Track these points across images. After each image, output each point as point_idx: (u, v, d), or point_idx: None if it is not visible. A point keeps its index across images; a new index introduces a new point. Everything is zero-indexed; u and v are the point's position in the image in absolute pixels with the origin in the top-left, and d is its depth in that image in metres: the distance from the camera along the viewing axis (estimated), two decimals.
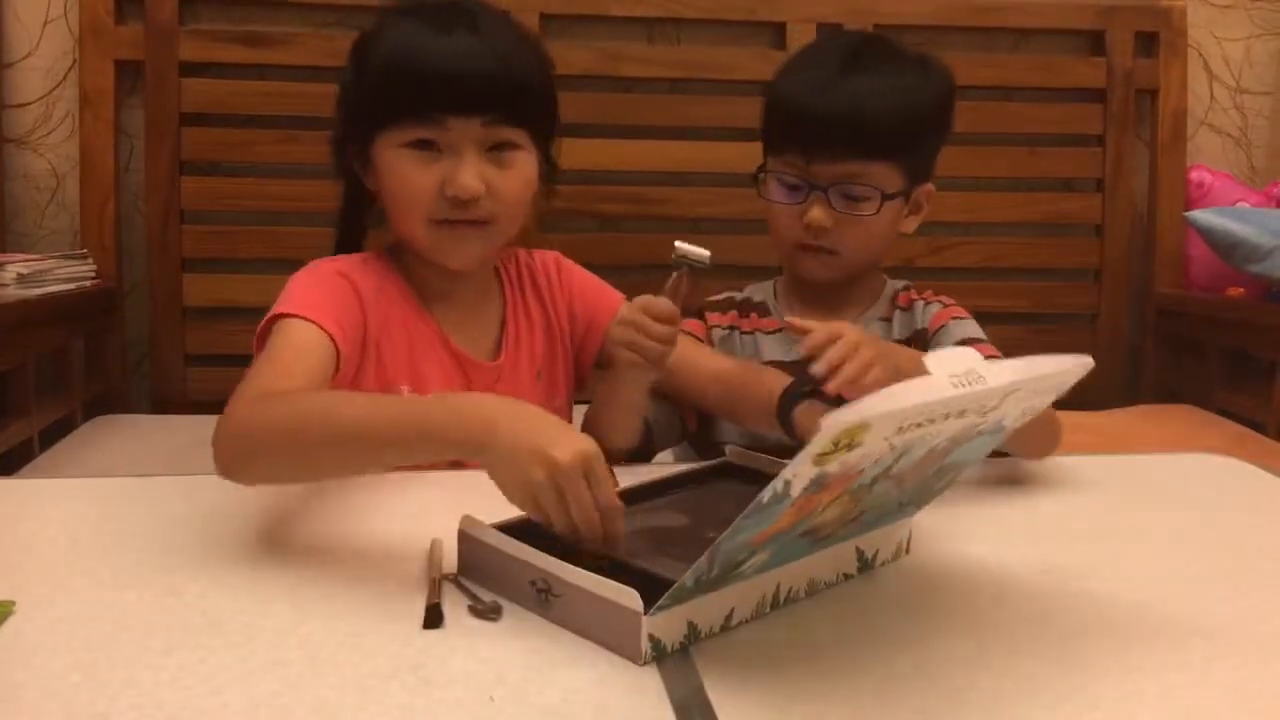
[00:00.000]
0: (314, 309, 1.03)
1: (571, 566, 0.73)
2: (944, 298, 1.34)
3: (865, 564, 0.86)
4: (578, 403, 1.29)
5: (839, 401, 1.09)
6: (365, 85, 1.10)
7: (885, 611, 0.80)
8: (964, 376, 0.66)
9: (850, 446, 0.61)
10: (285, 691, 0.65)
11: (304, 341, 1.01)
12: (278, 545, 0.89)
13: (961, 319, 1.31)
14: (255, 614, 0.75)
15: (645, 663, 0.69)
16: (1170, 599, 0.83)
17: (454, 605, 0.76)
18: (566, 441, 0.76)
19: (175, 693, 0.64)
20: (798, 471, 0.61)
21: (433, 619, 0.73)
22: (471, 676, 0.67)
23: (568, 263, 1.28)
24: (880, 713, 0.64)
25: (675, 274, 1.06)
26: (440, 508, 0.87)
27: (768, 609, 0.78)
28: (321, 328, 1.02)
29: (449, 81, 1.06)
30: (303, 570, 0.83)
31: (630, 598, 0.69)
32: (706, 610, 0.72)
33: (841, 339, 0.97)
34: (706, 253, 1.06)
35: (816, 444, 0.59)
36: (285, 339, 1.01)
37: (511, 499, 0.78)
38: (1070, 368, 0.75)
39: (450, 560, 0.83)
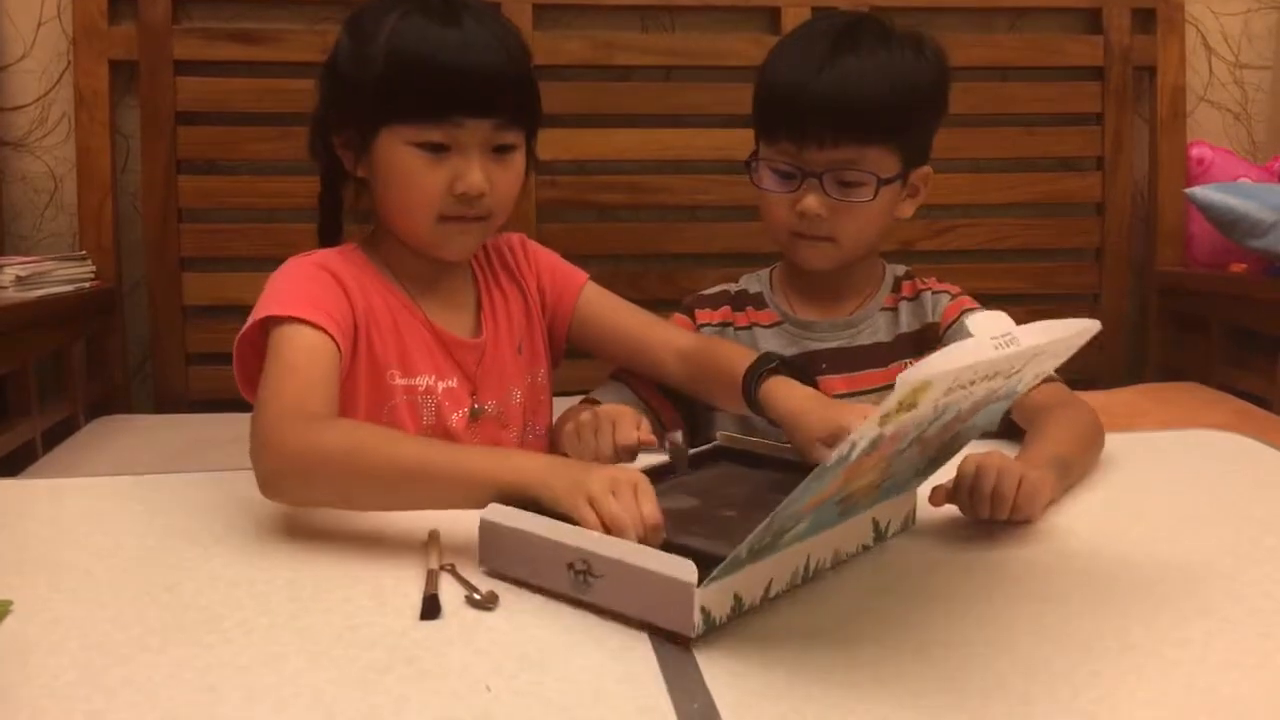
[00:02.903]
0: (307, 308, 1.03)
1: (618, 541, 0.74)
2: (949, 286, 1.33)
3: (880, 535, 0.88)
4: (558, 394, 1.29)
5: (806, 375, 1.09)
6: (370, 74, 1.08)
7: (889, 590, 0.80)
8: (1003, 339, 0.68)
9: (910, 407, 0.63)
10: (282, 685, 0.65)
11: (312, 348, 1.02)
12: (273, 540, 0.89)
13: (972, 310, 1.29)
14: (251, 609, 0.75)
15: (697, 635, 0.69)
16: (1172, 575, 0.82)
17: (451, 596, 0.76)
18: (622, 468, 0.82)
19: (172, 690, 0.64)
20: (865, 433, 0.63)
21: (430, 610, 0.73)
22: (468, 667, 0.67)
23: (531, 242, 1.30)
24: (878, 695, 0.64)
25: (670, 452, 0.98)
26: None
27: (799, 581, 0.79)
28: (320, 328, 1.02)
29: (467, 83, 1.07)
30: (299, 564, 0.83)
31: (685, 569, 0.69)
32: (749, 582, 0.74)
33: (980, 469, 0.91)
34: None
35: (889, 403, 0.61)
36: (293, 347, 1.01)
37: (563, 501, 0.79)
38: (1079, 331, 0.77)
39: (447, 551, 0.83)
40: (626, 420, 1.02)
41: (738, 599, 0.73)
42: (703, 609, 0.70)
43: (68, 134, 2.03)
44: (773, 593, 0.76)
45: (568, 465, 0.84)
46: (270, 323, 1.03)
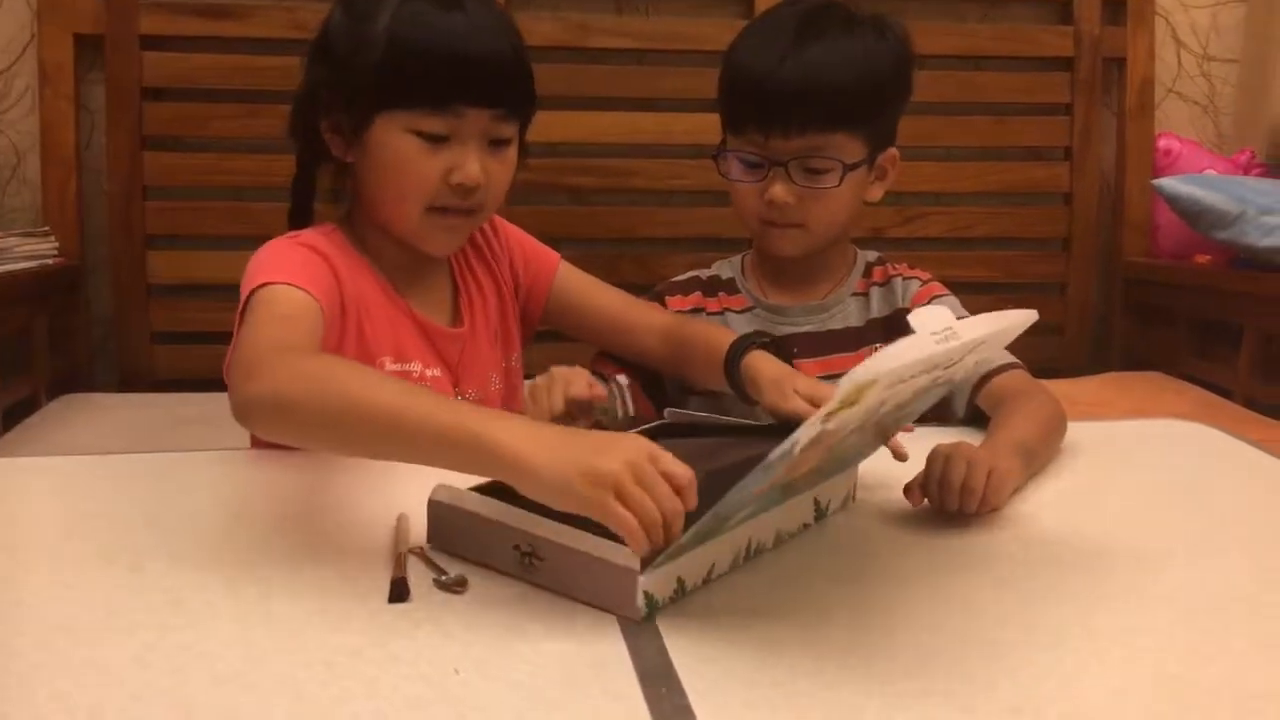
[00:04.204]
0: (294, 276, 1.01)
1: (562, 527, 0.73)
2: (919, 272, 1.34)
3: (821, 513, 0.90)
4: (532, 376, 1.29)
5: (786, 353, 1.11)
6: (369, 58, 1.05)
7: (852, 576, 0.80)
8: (943, 333, 0.70)
9: (853, 404, 0.65)
10: (249, 669, 0.64)
11: (295, 303, 0.99)
12: (241, 522, 0.88)
13: (941, 296, 1.30)
14: (219, 591, 0.74)
15: (642, 619, 0.70)
16: (1135, 563, 0.83)
17: (419, 579, 0.76)
18: (629, 439, 0.72)
19: (138, 671, 0.63)
20: (810, 431, 0.65)
21: (398, 593, 0.73)
22: (437, 650, 0.66)
23: (502, 221, 1.29)
24: (844, 680, 0.64)
25: (600, 407, 1.02)
26: (406, 482, 0.86)
27: (741, 562, 0.80)
28: (307, 292, 1.00)
29: (471, 73, 1.05)
30: (267, 546, 0.82)
31: (627, 556, 0.70)
32: (692, 565, 0.75)
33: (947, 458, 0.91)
34: (628, 413, 1.04)
35: (833, 402, 0.63)
36: (278, 300, 0.98)
37: (586, 503, 0.70)
38: (1019, 322, 0.78)
39: (416, 535, 0.82)
40: (579, 377, 1.03)
41: (680, 582, 0.74)
42: (645, 593, 0.71)
43: (31, 108, 2.00)
44: (715, 574, 0.77)
45: (569, 455, 0.71)
46: (258, 291, 1.00)
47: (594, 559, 0.72)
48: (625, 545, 0.70)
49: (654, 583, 0.71)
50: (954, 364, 0.76)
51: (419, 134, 1.06)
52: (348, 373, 0.84)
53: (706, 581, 0.77)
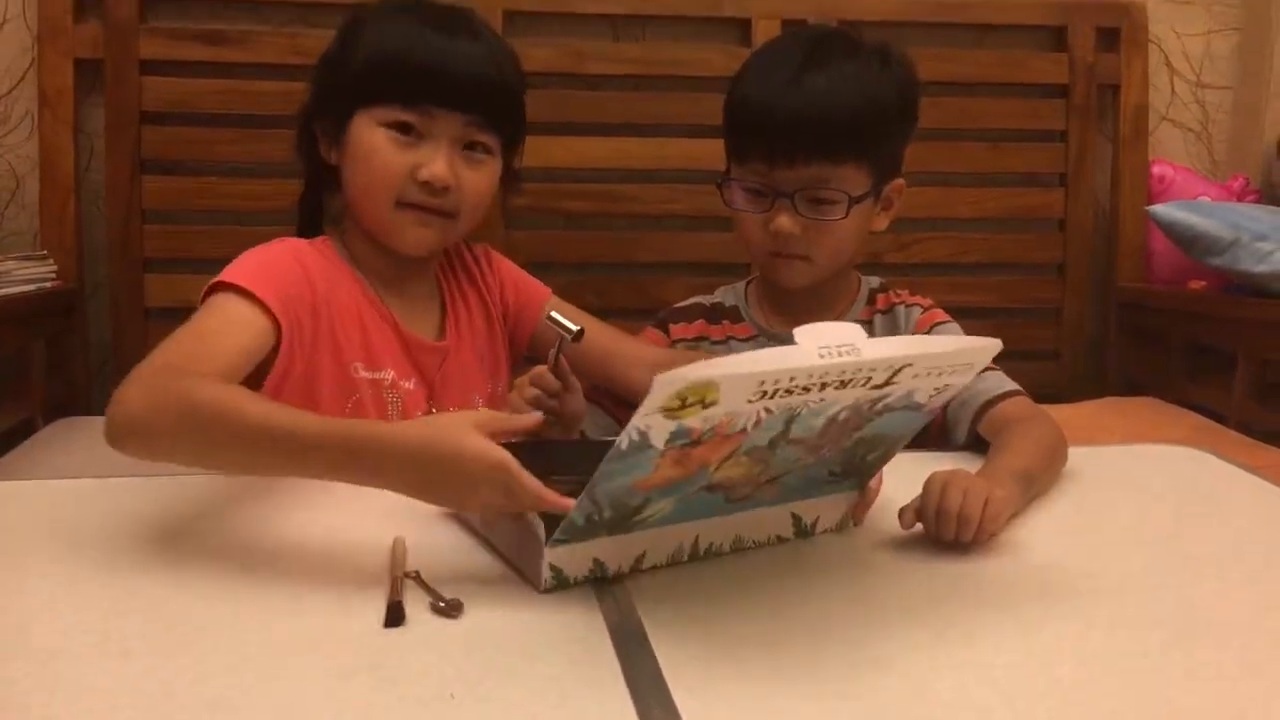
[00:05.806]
0: (255, 281, 1.04)
1: None
2: (920, 299, 1.34)
3: (803, 530, 0.90)
4: None
5: None
6: (355, 61, 1.12)
7: (853, 599, 0.80)
8: (834, 349, 0.69)
9: (704, 404, 0.65)
10: (243, 693, 0.64)
11: (233, 316, 1.01)
12: (236, 546, 0.88)
13: (943, 323, 1.30)
14: (213, 615, 0.74)
15: (545, 590, 0.77)
16: (1131, 587, 0.83)
17: (415, 603, 0.76)
18: (477, 479, 0.75)
19: (130, 696, 0.63)
20: (650, 423, 0.66)
21: (394, 617, 0.73)
22: (432, 674, 0.66)
23: (496, 254, 1.31)
24: (842, 708, 0.64)
25: (553, 349, 1.07)
26: (401, 506, 0.86)
27: (685, 558, 0.83)
28: (259, 301, 1.02)
29: (444, 73, 1.09)
30: (262, 570, 0.82)
31: (537, 526, 0.75)
32: (613, 550, 0.79)
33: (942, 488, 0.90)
34: (575, 327, 1.04)
35: (659, 396, 0.64)
36: (215, 311, 1.02)
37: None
38: (977, 346, 0.77)
39: (413, 559, 0.82)
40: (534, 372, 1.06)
41: (598, 563, 0.78)
42: (553, 566, 0.76)
43: (30, 132, 2.00)
44: (647, 564, 0.81)
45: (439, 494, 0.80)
46: (217, 288, 1.03)
47: (522, 525, 0.77)
48: (539, 519, 0.76)
49: (564, 559, 0.76)
50: (885, 384, 0.73)
51: (391, 126, 1.10)
52: (218, 394, 0.85)
53: (636, 569, 0.81)
